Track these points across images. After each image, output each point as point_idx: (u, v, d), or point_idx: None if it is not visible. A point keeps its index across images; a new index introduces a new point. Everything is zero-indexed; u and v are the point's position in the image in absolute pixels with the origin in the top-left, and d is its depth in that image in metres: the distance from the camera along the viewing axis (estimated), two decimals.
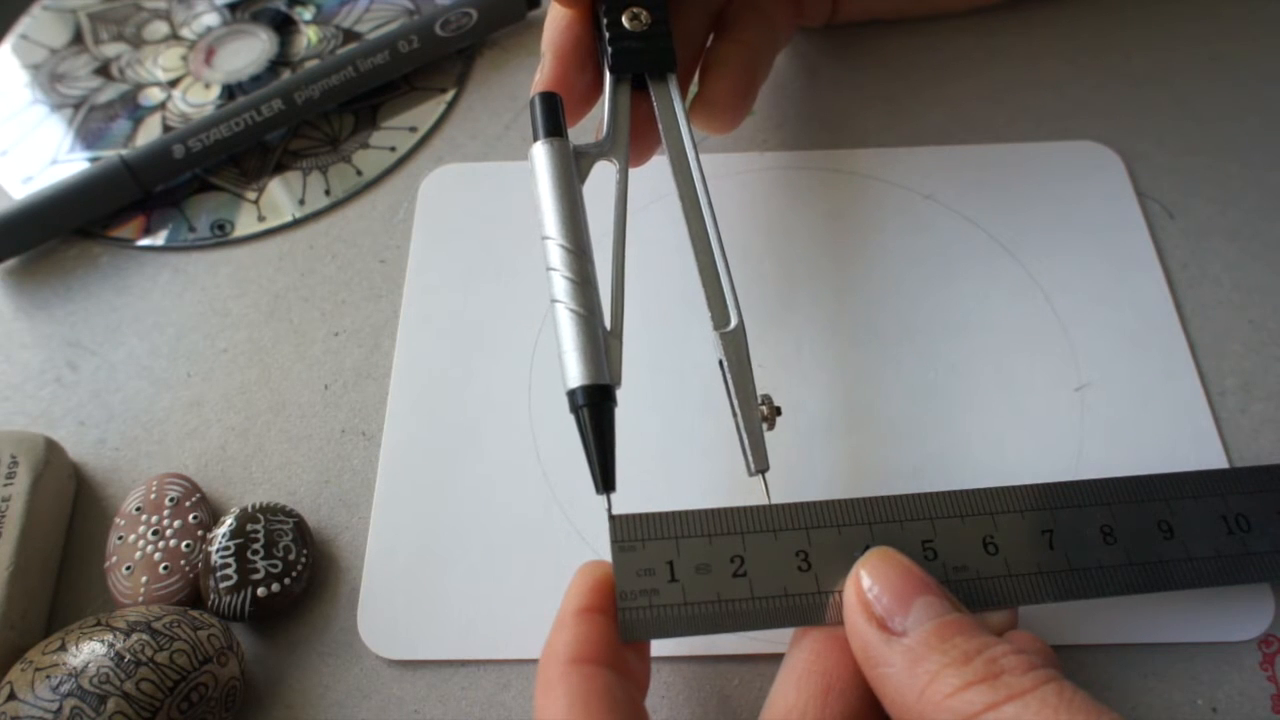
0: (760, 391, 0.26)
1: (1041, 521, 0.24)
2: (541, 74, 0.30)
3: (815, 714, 0.21)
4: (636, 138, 0.30)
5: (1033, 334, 0.32)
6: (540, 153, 0.27)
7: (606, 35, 0.29)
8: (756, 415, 0.25)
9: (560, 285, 0.25)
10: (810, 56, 0.40)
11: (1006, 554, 0.24)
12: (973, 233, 0.35)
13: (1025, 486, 0.25)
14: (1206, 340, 0.32)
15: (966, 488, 0.25)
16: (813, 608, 0.23)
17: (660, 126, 0.29)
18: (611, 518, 0.24)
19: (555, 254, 0.25)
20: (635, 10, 0.29)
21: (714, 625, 0.23)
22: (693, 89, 0.33)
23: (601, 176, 0.28)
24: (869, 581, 0.22)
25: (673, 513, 0.24)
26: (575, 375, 0.24)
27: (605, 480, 0.24)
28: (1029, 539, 0.24)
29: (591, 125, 0.31)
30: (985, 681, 0.20)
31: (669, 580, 0.23)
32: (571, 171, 0.27)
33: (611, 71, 0.29)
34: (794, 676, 0.22)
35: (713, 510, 0.24)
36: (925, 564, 0.23)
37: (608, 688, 0.21)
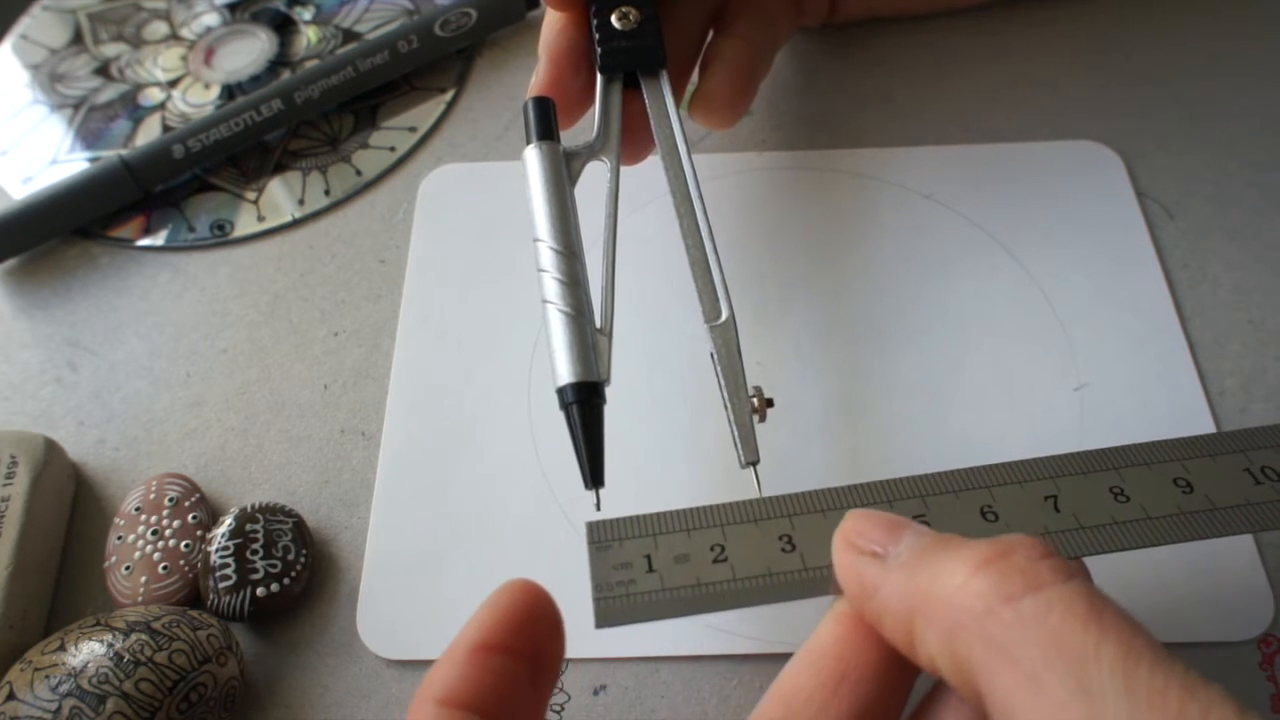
0: (754, 387, 0.26)
1: (1044, 489, 0.24)
2: (537, 77, 0.30)
3: (823, 700, 0.20)
4: (631, 136, 0.30)
5: (1032, 333, 0.32)
6: (532, 157, 0.28)
7: (596, 36, 0.30)
8: (746, 407, 0.25)
9: (550, 286, 0.26)
10: (809, 56, 0.40)
11: (1008, 520, 0.23)
12: (972, 232, 0.35)
13: (1026, 461, 0.24)
14: (1206, 340, 0.32)
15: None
16: (797, 582, 0.22)
17: (652, 123, 0.29)
18: (588, 524, 0.23)
19: (546, 256, 0.26)
20: (624, 10, 0.29)
21: (693, 607, 0.22)
22: (692, 85, 0.33)
23: (600, 176, 0.28)
24: (854, 526, 0.21)
25: (651, 514, 0.24)
26: (564, 373, 0.25)
27: (594, 475, 0.24)
28: (1032, 505, 0.23)
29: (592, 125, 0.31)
30: (995, 562, 0.17)
31: (647, 571, 0.23)
32: (562, 174, 0.27)
33: (601, 71, 0.30)
34: (810, 657, 0.21)
35: (692, 508, 0.24)
36: None
37: None
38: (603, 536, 0.23)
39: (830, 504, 0.23)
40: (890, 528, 0.20)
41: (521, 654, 0.19)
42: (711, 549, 0.23)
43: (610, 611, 0.22)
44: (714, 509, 0.24)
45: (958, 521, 0.23)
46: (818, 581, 0.22)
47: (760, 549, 0.23)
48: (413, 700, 0.19)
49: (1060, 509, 0.23)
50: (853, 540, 0.21)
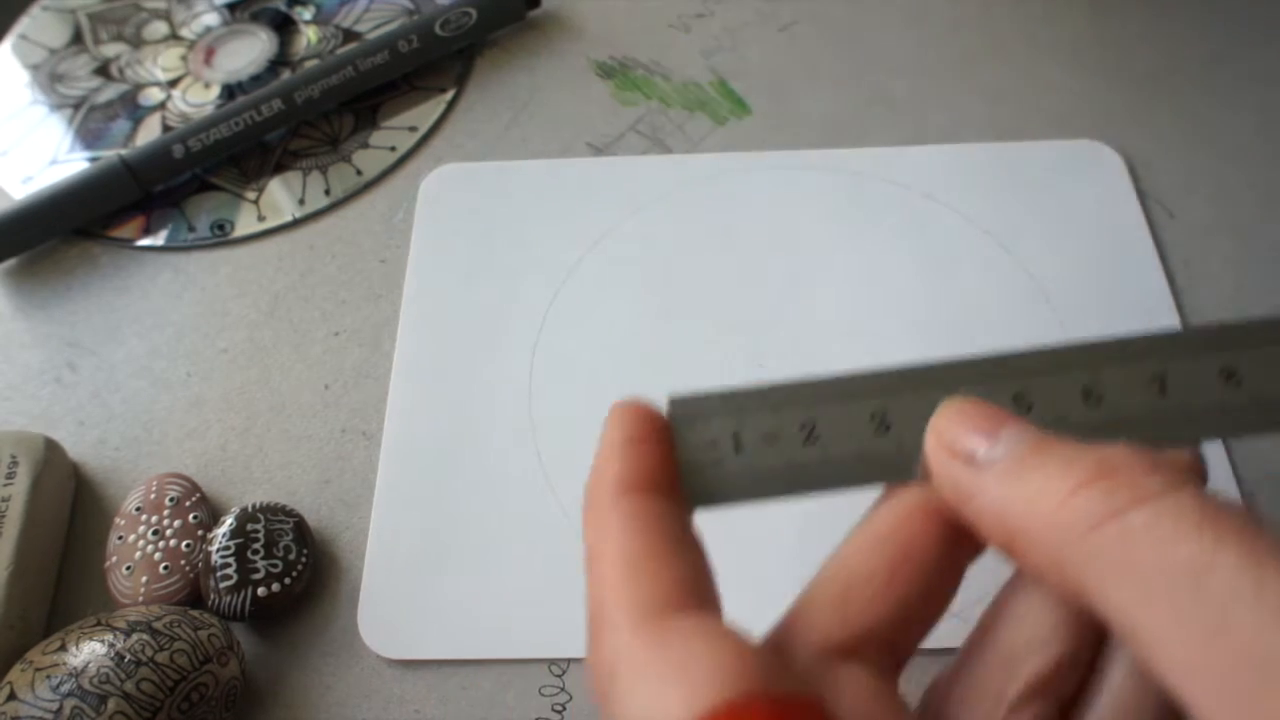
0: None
1: (1152, 368, 0.22)
2: None
3: (883, 581, 0.19)
4: None
5: (1032, 333, 0.32)
6: None
7: None
8: None
9: None
10: (809, 55, 0.40)
11: (1109, 404, 0.22)
12: (972, 232, 0.35)
13: (1130, 337, 0.23)
14: None
15: None
16: (893, 467, 0.21)
17: None
18: (670, 399, 0.22)
19: None
20: None
21: (787, 488, 0.21)
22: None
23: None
24: (947, 424, 0.20)
25: (733, 389, 0.22)
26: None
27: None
28: (1138, 386, 0.22)
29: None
30: (1099, 481, 0.16)
31: (734, 452, 0.22)
32: None
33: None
34: (871, 539, 0.20)
35: (776, 384, 0.22)
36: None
37: (662, 515, 0.20)
38: (685, 412, 0.22)
39: (923, 381, 0.22)
40: (987, 426, 0.19)
41: (658, 439, 0.21)
42: (801, 428, 0.22)
43: (703, 491, 0.21)
44: (801, 384, 0.22)
45: (1060, 403, 0.22)
46: (911, 468, 0.21)
47: (852, 430, 0.22)
48: (587, 502, 0.20)
49: (1167, 392, 0.22)
50: (947, 441, 0.20)
